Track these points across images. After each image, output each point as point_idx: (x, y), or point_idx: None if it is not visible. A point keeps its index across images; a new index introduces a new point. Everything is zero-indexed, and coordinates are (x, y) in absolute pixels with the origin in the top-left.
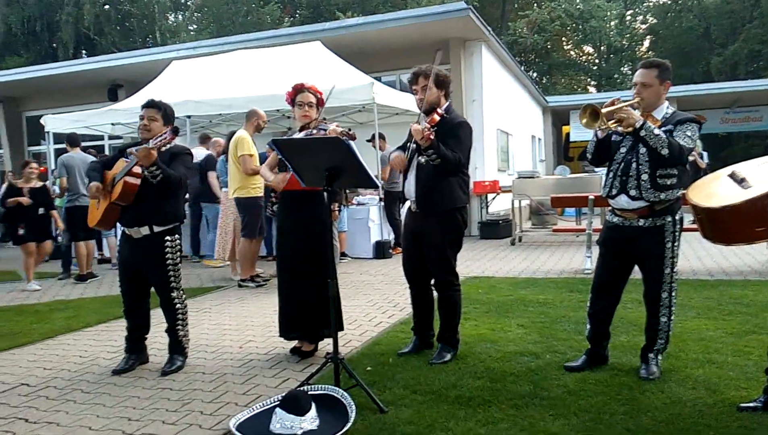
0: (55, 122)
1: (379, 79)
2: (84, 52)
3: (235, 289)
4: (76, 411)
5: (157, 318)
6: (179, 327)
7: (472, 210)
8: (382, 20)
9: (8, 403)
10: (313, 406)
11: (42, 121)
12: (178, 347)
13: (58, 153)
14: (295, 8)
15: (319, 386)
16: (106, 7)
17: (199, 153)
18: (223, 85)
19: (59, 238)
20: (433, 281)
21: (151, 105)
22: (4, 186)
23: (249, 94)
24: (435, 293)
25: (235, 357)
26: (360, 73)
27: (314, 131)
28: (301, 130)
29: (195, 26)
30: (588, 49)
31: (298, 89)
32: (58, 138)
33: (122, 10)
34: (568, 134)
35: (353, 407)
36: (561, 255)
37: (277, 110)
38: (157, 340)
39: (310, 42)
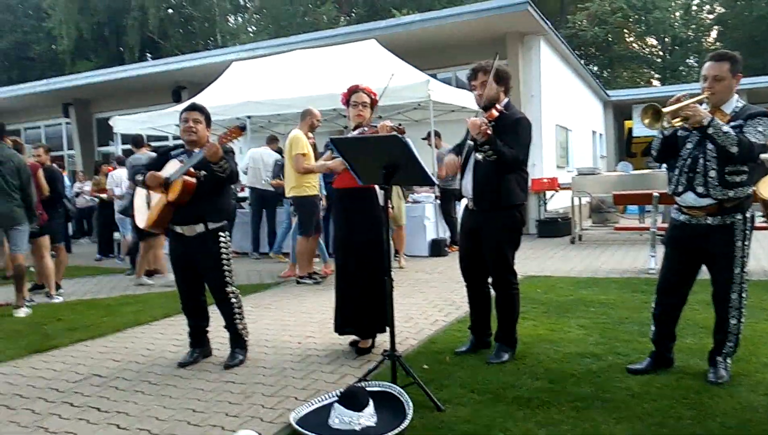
0: (123, 123)
1: (434, 76)
2: (149, 55)
3: (293, 285)
4: (144, 402)
5: (218, 313)
6: (237, 320)
7: (530, 208)
8: (439, 17)
9: (82, 392)
10: (371, 402)
11: (111, 122)
12: (239, 341)
13: (126, 153)
14: (351, 7)
15: (377, 383)
16: (170, 11)
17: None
18: (282, 85)
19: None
20: (490, 280)
21: (194, 108)
22: (78, 185)
23: (306, 93)
24: (492, 292)
25: (295, 352)
26: (415, 71)
27: (366, 129)
28: (355, 130)
29: (254, 28)
30: (651, 41)
31: (353, 90)
32: (126, 138)
33: (185, 13)
34: (630, 129)
35: (410, 405)
36: (623, 254)
37: (334, 109)
38: (221, 333)
39: (366, 40)
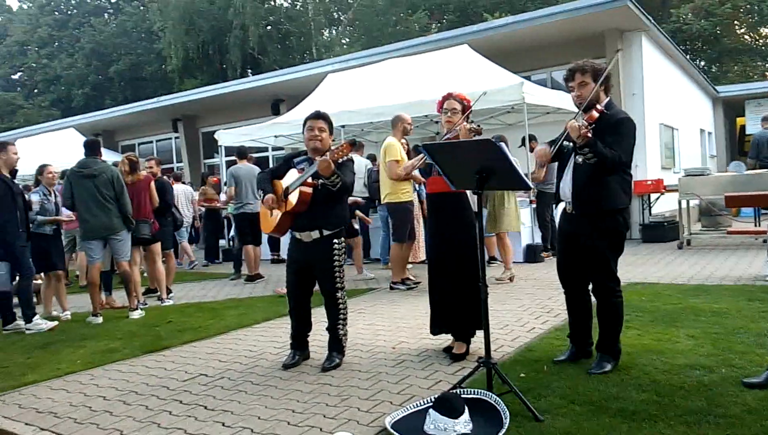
0: (226, 137)
1: (528, 78)
2: (249, 70)
3: (386, 291)
4: (246, 401)
5: (317, 317)
6: (340, 326)
7: (633, 211)
8: (533, 17)
9: (190, 390)
10: (467, 409)
11: (215, 136)
12: (338, 345)
13: (229, 164)
14: (442, 14)
15: (472, 390)
16: (269, 27)
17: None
18: (374, 94)
19: (230, 242)
20: (591, 287)
21: (320, 116)
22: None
23: (398, 101)
24: (593, 299)
25: (389, 357)
26: (508, 74)
27: (449, 135)
28: (446, 135)
29: (347, 39)
30: (766, 31)
31: (446, 97)
32: (229, 151)
33: (282, 29)
34: (743, 126)
35: (507, 414)
36: (737, 260)
37: (425, 115)
38: (317, 337)
39: (458, 46)
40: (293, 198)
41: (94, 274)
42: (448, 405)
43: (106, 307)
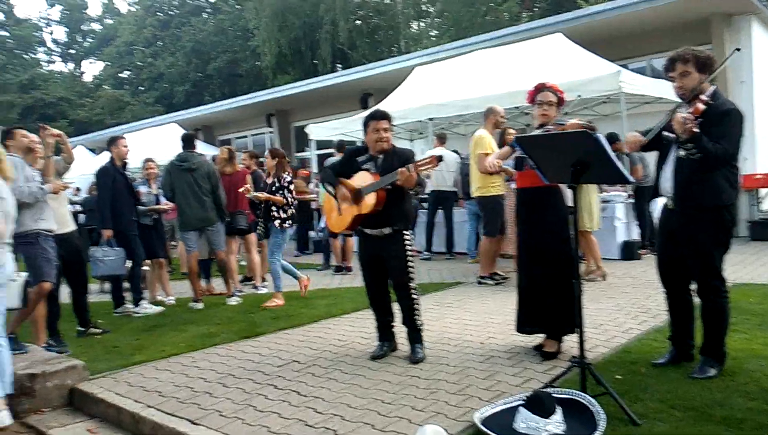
0: (316, 130)
1: (625, 66)
2: (339, 65)
3: (474, 285)
4: (337, 389)
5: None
6: (416, 316)
7: (741, 207)
8: (632, 2)
9: (284, 376)
10: (559, 409)
11: (306, 130)
12: (417, 336)
13: (320, 158)
14: (533, 2)
15: (565, 390)
16: (358, 22)
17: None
18: (463, 86)
19: (320, 234)
20: (694, 286)
21: (383, 117)
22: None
23: (487, 93)
24: (696, 300)
25: (477, 352)
26: (604, 62)
27: (551, 127)
28: (538, 129)
29: (436, 32)
30: None
31: (539, 88)
32: (320, 144)
33: (371, 23)
34: None
35: (602, 416)
36: None
37: (516, 107)
38: (404, 329)
39: (551, 34)
40: (370, 201)
41: (192, 262)
42: (540, 404)
43: (206, 293)
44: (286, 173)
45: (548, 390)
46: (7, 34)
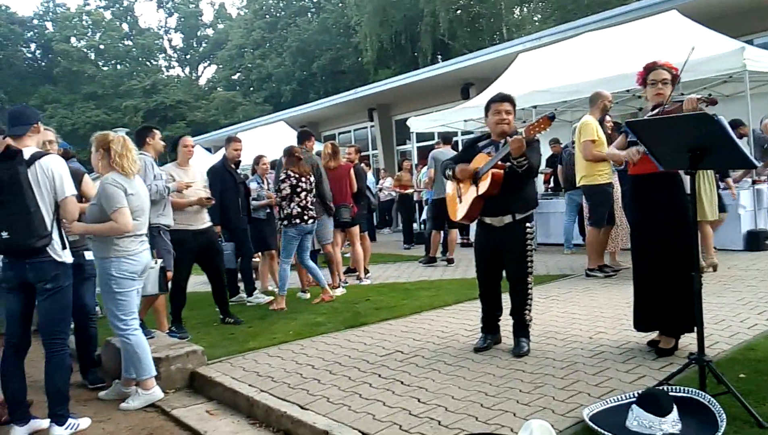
0: (417, 123)
1: (750, 42)
2: (440, 56)
3: (582, 278)
4: (440, 380)
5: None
6: (527, 311)
7: None
8: None
9: (387, 365)
10: (675, 408)
11: (407, 123)
12: (525, 331)
13: (420, 150)
14: None
15: (682, 388)
16: (458, 12)
17: None
18: (568, 71)
19: (423, 226)
20: None
21: (505, 98)
22: (385, 181)
23: (594, 77)
24: None
25: (586, 347)
26: (725, 39)
27: (667, 106)
28: (653, 110)
29: (539, 16)
30: None
31: (650, 67)
32: (420, 137)
33: (472, 12)
34: None
35: (723, 416)
36: None
37: (627, 90)
38: (509, 321)
39: (665, 12)
40: (485, 181)
41: (328, 250)
42: (655, 402)
43: (312, 284)
44: (284, 171)
45: (663, 388)
46: (132, 43)
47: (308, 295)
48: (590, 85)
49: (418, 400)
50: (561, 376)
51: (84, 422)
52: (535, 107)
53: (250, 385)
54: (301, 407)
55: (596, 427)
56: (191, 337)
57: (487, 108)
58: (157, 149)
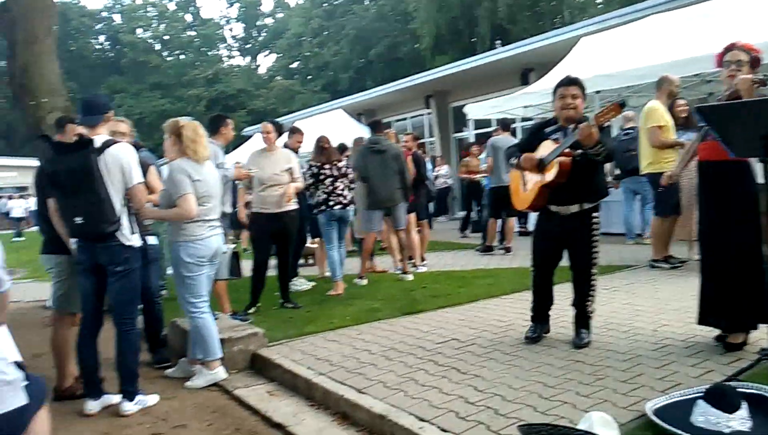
0: (475, 110)
1: None
2: (498, 42)
3: (645, 269)
4: (497, 369)
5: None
6: (589, 302)
7: None
8: None
9: (444, 353)
10: (744, 404)
11: (464, 110)
12: (586, 322)
13: (478, 137)
14: None
15: (752, 385)
16: None
17: None
18: (634, 55)
19: (479, 214)
20: None
21: (573, 82)
22: (441, 169)
23: (662, 61)
24: None
25: (649, 340)
26: None
27: (727, 92)
28: (727, 93)
29: None
30: None
31: (728, 48)
32: (478, 124)
33: None
34: None
35: None
36: None
37: (696, 75)
38: (570, 311)
39: None
40: (552, 170)
41: (370, 241)
42: (723, 397)
43: (369, 270)
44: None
45: (732, 383)
46: (195, 33)
47: (365, 282)
48: (656, 70)
49: (475, 389)
50: (623, 368)
51: (152, 399)
52: (598, 92)
53: (308, 368)
54: (358, 391)
55: (660, 422)
56: (252, 320)
57: (554, 92)
58: (228, 138)
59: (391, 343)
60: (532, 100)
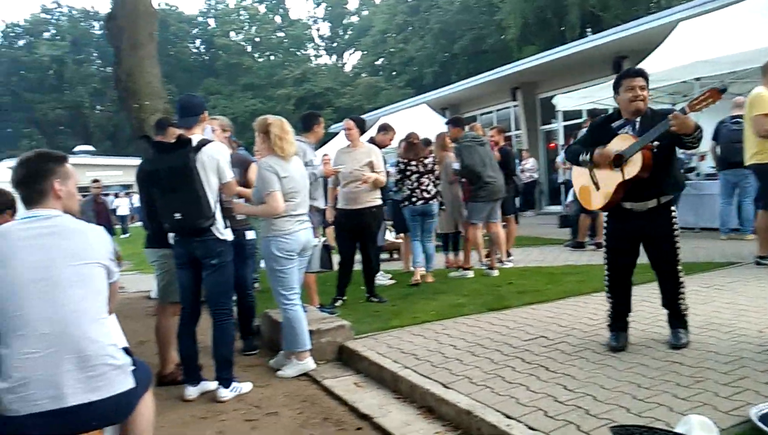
0: (564, 101)
1: None
2: (589, 30)
3: (750, 266)
4: (588, 368)
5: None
6: (681, 299)
7: None
8: None
9: (531, 350)
10: None
11: (553, 101)
12: (681, 320)
13: (567, 129)
14: None
15: None
16: None
17: None
18: (736, 39)
19: (566, 209)
20: None
21: (639, 74)
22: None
23: (767, 44)
24: None
25: (754, 341)
26: None
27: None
28: None
29: None
30: None
31: None
32: (567, 115)
33: None
34: None
35: None
36: None
37: None
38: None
39: None
40: (635, 163)
41: (478, 234)
42: None
43: (452, 265)
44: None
45: None
46: (284, 34)
47: (471, 274)
48: (762, 54)
49: (564, 388)
50: (725, 371)
51: (246, 386)
52: (698, 79)
53: (394, 361)
54: (444, 386)
55: (765, 428)
56: (339, 312)
57: (618, 84)
58: (319, 136)
59: (477, 338)
60: None
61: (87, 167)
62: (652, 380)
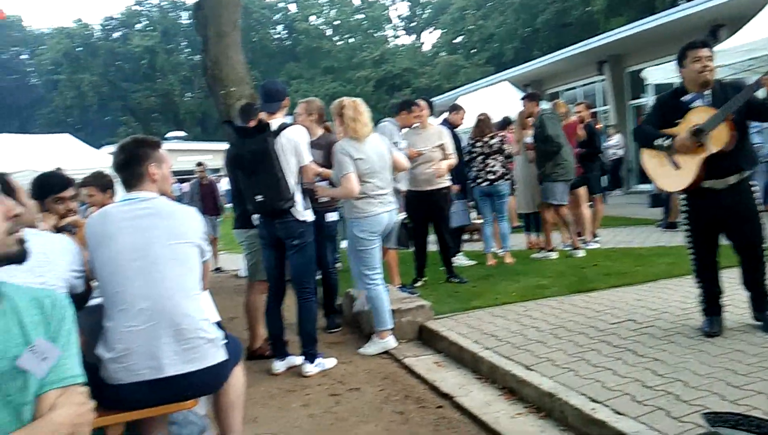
0: (654, 74)
1: None
2: None
3: None
4: (679, 353)
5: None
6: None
7: None
8: None
9: (618, 334)
10: None
11: (642, 74)
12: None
13: None
14: None
15: None
16: None
17: None
18: None
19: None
20: None
21: (705, 44)
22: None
23: None
24: None
25: None
26: None
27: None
28: None
29: None
30: None
31: None
32: (658, 89)
33: None
34: None
35: None
36: None
37: None
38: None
39: None
40: (721, 135)
41: (565, 212)
42: None
43: (534, 246)
44: None
45: None
46: (363, 16)
47: (555, 255)
48: None
49: (654, 373)
50: None
51: (330, 362)
52: None
53: (474, 342)
54: (526, 367)
55: None
56: (420, 293)
57: (683, 56)
58: (406, 123)
59: (560, 321)
60: (722, 60)
61: (179, 152)
62: (749, 367)
